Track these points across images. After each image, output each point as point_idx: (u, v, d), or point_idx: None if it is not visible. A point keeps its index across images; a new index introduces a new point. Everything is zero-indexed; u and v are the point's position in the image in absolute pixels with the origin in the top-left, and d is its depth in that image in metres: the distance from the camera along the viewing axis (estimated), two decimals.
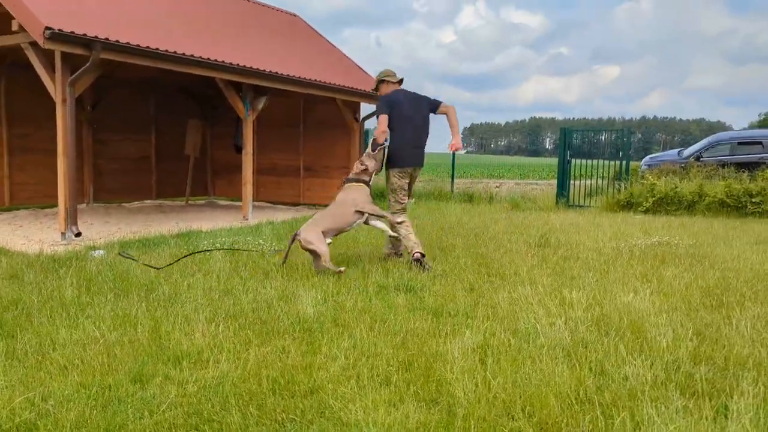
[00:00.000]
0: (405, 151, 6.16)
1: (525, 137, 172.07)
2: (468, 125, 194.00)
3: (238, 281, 5.10)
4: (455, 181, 15.48)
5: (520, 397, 2.75)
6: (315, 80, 10.79)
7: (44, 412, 2.53)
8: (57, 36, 6.85)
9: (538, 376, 2.98)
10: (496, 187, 16.19)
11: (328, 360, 3.25)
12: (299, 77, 10.43)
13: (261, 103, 10.56)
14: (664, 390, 2.86)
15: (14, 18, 7.25)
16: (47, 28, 6.77)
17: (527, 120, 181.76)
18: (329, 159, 13.16)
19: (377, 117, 6.08)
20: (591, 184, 13.09)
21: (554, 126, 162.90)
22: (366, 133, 13.89)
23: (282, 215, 11.09)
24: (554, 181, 17.09)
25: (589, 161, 13.00)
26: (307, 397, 2.78)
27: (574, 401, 2.71)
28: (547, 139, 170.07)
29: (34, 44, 7.28)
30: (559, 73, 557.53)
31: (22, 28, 7.22)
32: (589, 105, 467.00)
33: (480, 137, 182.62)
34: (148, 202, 13.52)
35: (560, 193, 12.77)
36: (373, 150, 6.04)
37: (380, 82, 6.37)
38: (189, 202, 13.62)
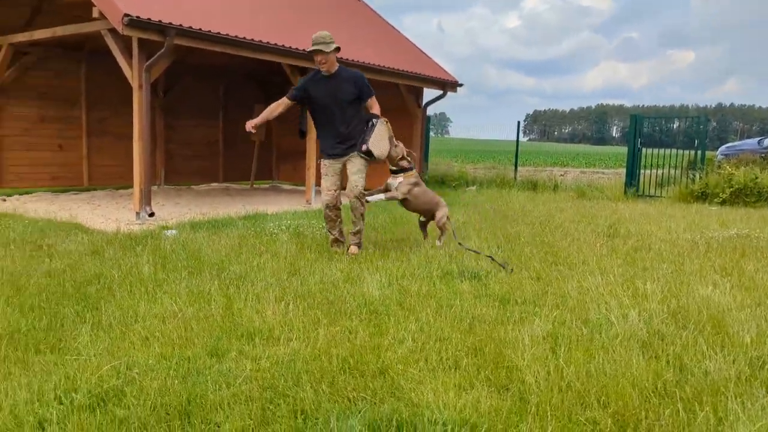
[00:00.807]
0: None
1: (590, 125, 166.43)
2: (531, 112, 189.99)
3: (304, 263, 5.19)
4: (518, 168, 15.20)
5: (594, 387, 2.68)
6: (378, 65, 10.80)
7: (130, 379, 2.66)
8: (135, 23, 7.13)
9: (612, 367, 2.90)
10: (561, 175, 15.78)
11: (396, 342, 3.26)
12: (364, 62, 10.45)
13: None
14: (749, 386, 2.72)
15: (95, 6, 7.57)
16: (126, 15, 7.05)
17: (593, 107, 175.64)
18: None
19: (371, 96, 5.70)
20: (662, 174, 12.56)
21: (622, 113, 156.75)
22: (429, 119, 13.80)
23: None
24: (622, 170, 16.51)
25: (661, 150, 12.47)
26: (377, 377, 2.80)
27: (651, 394, 2.62)
28: (615, 127, 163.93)
29: (112, 31, 7.59)
30: (628, 58, 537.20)
31: (102, 16, 7.54)
32: (660, 91, 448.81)
33: (543, 124, 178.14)
34: (215, 185, 13.95)
35: (629, 183, 12.33)
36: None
37: (338, 49, 5.56)
38: (254, 186, 13.96)
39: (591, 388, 2.66)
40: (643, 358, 3.04)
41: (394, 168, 5.98)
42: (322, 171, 5.83)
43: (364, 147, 5.59)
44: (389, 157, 5.83)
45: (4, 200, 9.75)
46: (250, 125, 5.64)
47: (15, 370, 2.77)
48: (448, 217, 6.24)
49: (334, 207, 5.76)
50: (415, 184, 5.98)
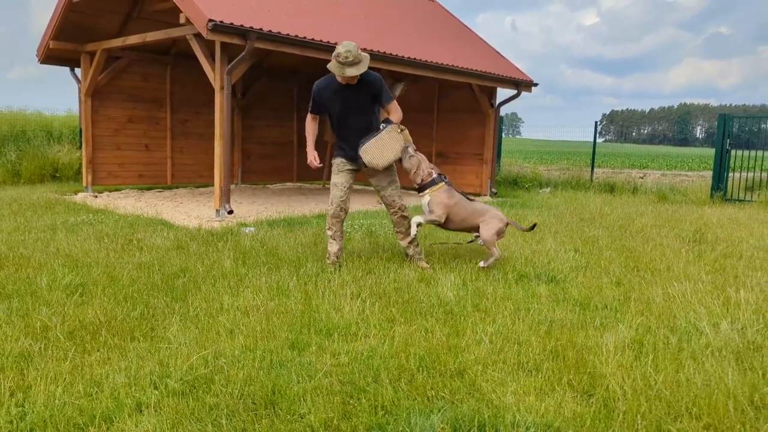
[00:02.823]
0: None
1: (672, 125, 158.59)
2: (607, 112, 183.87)
3: (377, 261, 5.23)
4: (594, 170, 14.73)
5: (685, 397, 2.56)
6: (452, 65, 10.74)
7: (218, 368, 2.77)
8: (218, 27, 7.41)
9: (704, 378, 2.76)
10: (640, 177, 15.16)
11: (473, 343, 3.24)
12: (437, 63, 10.43)
13: (398, 90, 10.71)
14: None
15: (181, 12, 7.93)
16: (210, 20, 7.34)
17: (675, 106, 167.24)
18: (462, 145, 13.07)
19: (389, 101, 5.16)
20: (753, 177, 11.84)
21: (707, 113, 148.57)
22: (501, 120, 13.61)
23: (415, 200, 11.19)
24: (707, 173, 15.72)
25: (752, 152, 11.77)
26: (455, 377, 2.79)
27: (748, 407, 2.47)
28: (699, 128, 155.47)
29: (197, 36, 7.93)
30: (716, 55, 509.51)
31: (188, 21, 7.88)
32: (751, 91, 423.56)
33: (620, 125, 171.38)
34: (289, 184, 14.30)
35: (716, 186, 11.69)
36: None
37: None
38: (326, 186, 14.21)
39: (681, 399, 2.55)
40: (738, 369, 2.88)
41: (417, 184, 5.25)
42: (333, 169, 5.26)
43: (358, 150, 5.02)
44: (403, 168, 5.23)
45: (96, 197, 10.38)
46: (315, 163, 5.13)
47: (113, 356, 2.95)
48: (499, 233, 5.12)
49: (344, 210, 5.19)
50: (449, 199, 5.15)
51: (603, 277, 4.89)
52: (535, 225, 5.61)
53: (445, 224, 5.27)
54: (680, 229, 7.44)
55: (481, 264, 5.03)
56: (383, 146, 5.06)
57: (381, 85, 5.07)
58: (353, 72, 4.76)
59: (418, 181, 5.23)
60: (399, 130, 5.12)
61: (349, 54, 4.70)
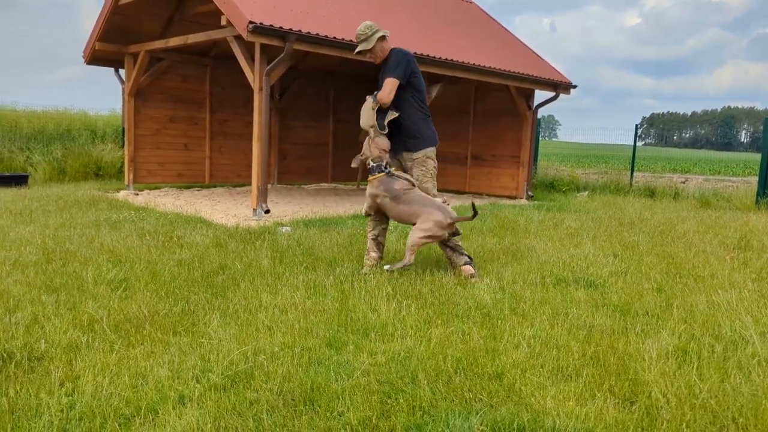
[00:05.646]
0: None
1: (715, 129, 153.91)
2: (647, 115, 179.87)
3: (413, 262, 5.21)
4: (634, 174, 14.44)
5: (731, 407, 2.49)
6: (490, 67, 10.66)
7: (258, 364, 2.82)
8: (258, 29, 7.53)
9: (751, 388, 2.68)
10: (682, 182, 14.79)
11: (511, 347, 3.21)
12: (474, 64, 10.37)
13: (435, 91, 10.68)
14: None
15: (223, 14, 8.08)
16: (250, 22, 7.46)
17: (719, 110, 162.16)
18: (499, 148, 12.97)
19: (386, 76, 4.79)
20: None
21: (753, 116, 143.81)
22: (538, 122, 13.45)
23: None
24: (752, 178, 15.28)
25: None
26: (493, 380, 2.77)
27: None
28: (743, 132, 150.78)
29: (237, 37, 8.07)
30: (762, 57, 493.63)
31: (229, 23, 8.03)
32: None
33: (661, 128, 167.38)
34: (324, 185, 14.41)
35: (762, 192, 11.33)
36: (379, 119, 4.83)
37: (383, 38, 4.97)
38: (360, 186, 14.27)
39: (727, 409, 2.48)
40: None
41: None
42: None
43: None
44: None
45: (137, 194, 10.64)
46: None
47: (157, 349, 3.03)
48: (430, 236, 4.71)
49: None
50: (376, 189, 4.80)
51: (644, 282, 4.79)
52: (476, 213, 4.88)
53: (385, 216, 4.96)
54: (724, 236, 7.24)
55: (386, 267, 4.73)
56: (362, 113, 4.97)
57: (393, 60, 4.83)
58: (357, 50, 4.95)
59: (367, 163, 4.88)
60: (372, 105, 4.83)
61: (358, 35, 4.94)
